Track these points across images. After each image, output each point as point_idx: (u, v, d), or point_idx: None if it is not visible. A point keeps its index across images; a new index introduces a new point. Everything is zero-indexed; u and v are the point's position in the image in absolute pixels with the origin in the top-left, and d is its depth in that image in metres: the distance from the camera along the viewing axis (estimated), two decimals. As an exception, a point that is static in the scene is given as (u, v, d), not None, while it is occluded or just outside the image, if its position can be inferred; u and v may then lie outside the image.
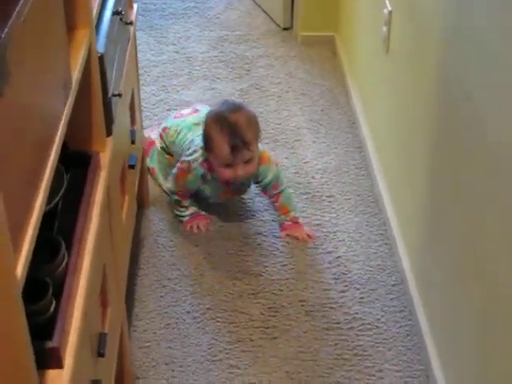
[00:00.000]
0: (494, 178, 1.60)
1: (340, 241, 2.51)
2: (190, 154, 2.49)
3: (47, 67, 1.25)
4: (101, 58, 1.65)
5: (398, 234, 2.44)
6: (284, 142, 2.98)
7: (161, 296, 2.30)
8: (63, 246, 1.31)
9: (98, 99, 1.65)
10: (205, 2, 4.07)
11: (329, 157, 2.90)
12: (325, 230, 2.55)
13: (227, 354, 2.12)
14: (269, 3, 3.93)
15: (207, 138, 2.41)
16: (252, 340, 2.17)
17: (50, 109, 1.26)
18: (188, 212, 2.55)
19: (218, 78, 3.40)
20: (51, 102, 1.27)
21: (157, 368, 2.08)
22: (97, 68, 1.63)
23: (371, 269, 2.40)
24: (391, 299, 2.29)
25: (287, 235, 2.52)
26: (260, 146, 2.50)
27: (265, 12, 3.99)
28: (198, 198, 2.60)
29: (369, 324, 2.21)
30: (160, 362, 2.10)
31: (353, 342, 2.16)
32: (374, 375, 2.06)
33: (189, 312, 2.25)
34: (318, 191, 2.73)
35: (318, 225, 2.57)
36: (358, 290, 2.33)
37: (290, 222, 2.53)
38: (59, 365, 1.20)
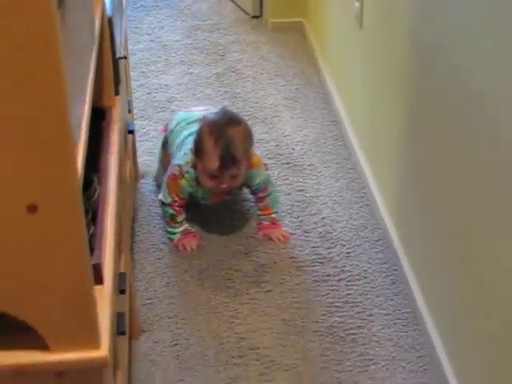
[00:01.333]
0: (465, 131, 1.75)
1: (323, 204, 2.66)
2: (181, 158, 2.43)
3: (82, 21, 1.38)
4: (110, 21, 1.78)
5: (378, 196, 2.59)
6: (263, 118, 3.12)
7: (158, 258, 2.42)
8: (96, 179, 1.44)
9: (108, 59, 1.78)
10: (174, -5, 4.22)
11: (307, 130, 3.05)
12: (308, 195, 2.70)
13: (226, 306, 2.25)
14: (237, -7, 4.09)
15: (199, 146, 2.35)
16: (248, 294, 2.30)
17: (84, 59, 1.38)
18: (180, 229, 2.48)
19: (194, 64, 3.54)
20: (84, 55, 1.39)
21: (161, 322, 2.20)
22: (107, 29, 1.76)
23: (355, 227, 2.55)
24: (376, 252, 2.44)
25: (264, 235, 2.52)
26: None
27: (233, 2, 4.14)
28: (190, 201, 2.52)
29: (357, 275, 2.36)
30: (164, 317, 2.22)
31: (343, 291, 2.30)
32: (365, 319, 2.21)
33: (186, 271, 2.37)
34: (298, 161, 2.87)
35: (301, 190, 2.72)
36: (344, 246, 2.47)
37: (269, 222, 2.53)
38: (100, 280, 1.32)
